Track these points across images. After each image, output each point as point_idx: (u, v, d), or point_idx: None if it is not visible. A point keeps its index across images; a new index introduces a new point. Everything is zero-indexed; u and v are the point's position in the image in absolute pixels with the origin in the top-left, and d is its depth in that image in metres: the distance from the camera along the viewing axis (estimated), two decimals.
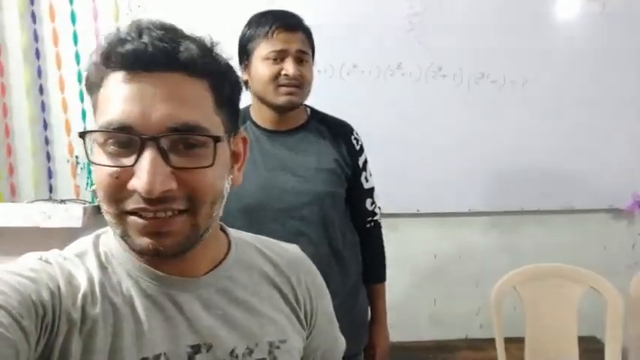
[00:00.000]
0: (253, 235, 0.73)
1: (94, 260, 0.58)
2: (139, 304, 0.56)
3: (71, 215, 0.91)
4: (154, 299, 0.57)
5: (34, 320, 0.48)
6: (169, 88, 0.52)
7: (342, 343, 0.81)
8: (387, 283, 1.41)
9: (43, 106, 1.95)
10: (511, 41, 2.01)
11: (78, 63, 1.92)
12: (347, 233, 1.30)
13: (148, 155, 0.51)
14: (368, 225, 1.36)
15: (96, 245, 0.60)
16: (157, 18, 0.56)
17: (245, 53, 1.20)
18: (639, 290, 1.58)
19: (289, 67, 1.15)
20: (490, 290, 1.58)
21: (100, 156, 0.53)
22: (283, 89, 1.16)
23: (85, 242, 0.61)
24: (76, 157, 1.98)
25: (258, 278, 0.67)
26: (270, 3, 1.27)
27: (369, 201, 1.35)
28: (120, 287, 0.57)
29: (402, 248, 2.08)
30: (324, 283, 0.77)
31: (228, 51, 0.60)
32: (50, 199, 1.00)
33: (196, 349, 0.58)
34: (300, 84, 1.17)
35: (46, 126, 1.97)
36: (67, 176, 1.99)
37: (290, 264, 0.71)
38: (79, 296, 0.53)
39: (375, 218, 1.37)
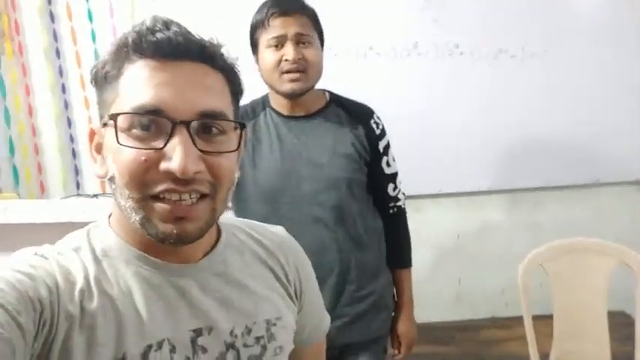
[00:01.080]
0: (240, 219, 0.75)
1: (88, 255, 0.58)
2: (139, 292, 0.57)
3: (104, 208, 0.93)
4: (154, 287, 0.58)
5: (32, 316, 0.49)
6: (198, 77, 0.56)
7: (327, 320, 0.83)
8: (412, 263, 1.39)
9: (66, 105, 2.00)
10: (528, 14, 1.97)
11: (97, 60, 1.95)
12: (368, 219, 1.29)
13: (179, 138, 0.53)
14: (391, 211, 1.34)
15: (89, 240, 0.60)
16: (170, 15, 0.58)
17: (254, 43, 1.20)
18: None
19: (289, 52, 1.13)
20: (515, 269, 1.56)
21: (124, 140, 0.53)
22: (286, 76, 1.14)
23: (77, 237, 0.61)
24: None
25: (251, 259, 0.69)
26: None
27: (391, 186, 1.32)
28: (117, 279, 0.57)
29: (425, 229, 2.08)
30: (309, 263, 0.78)
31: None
32: (80, 195, 1.03)
33: (198, 332, 0.59)
34: (304, 68, 1.15)
35: (70, 124, 2.01)
36: (93, 172, 2.04)
37: (278, 245, 0.73)
38: (76, 292, 0.54)
39: (399, 204, 1.34)
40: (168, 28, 0.55)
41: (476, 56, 2.00)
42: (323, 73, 1.24)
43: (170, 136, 0.53)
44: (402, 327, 1.35)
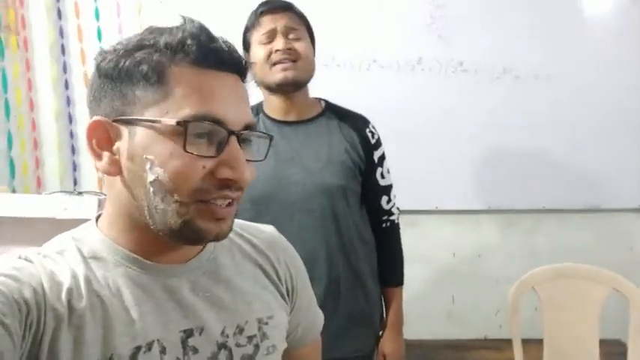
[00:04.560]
0: None
1: (75, 256, 0.58)
2: (128, 293, 0.57)
3: (87, 207, 0.93)
4: (144, 287, 0.58)
5: (18, 318, 0.49)
6: (241, 90, 0.60)
7: (321, 318, 0.83)
8: (405, 279, 1.35)
9: (68, 101, 2.01)
10: (535, 36, 1.96)
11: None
12: (362, 230, 1.27)
13: (235, 148, 0.56)
14: (384, 225, 1.31)
15: (75, 242, 0.60)
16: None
17: (247, 46, 1.23)
18: None
19: (278, 43, 1.16)
20: (509, 291, 1.54)
21: (189, 147, 0.54)
22: (277, 66, 1.16)
23: (62, 240, 0.61)
24: None
25: (241, 258, 0.69)
26: None
27: (384, 199, 1.30)
28: (107, 280, 0.57)
29: (421, 245, 2.06)
30: (301, 261, 0.79)
31: None
32: (67, 191, 1.04)
33: (189, 333, 0.59)
34: (295, 58, 1.17)
35: (71, 120, 2.02)
36: (91, 169, 2.04)
37: (268, 244, 0.73)
38: (64, 291, 0.54)
39: (392, 218, 1.31)
40: (216, 40, 0.58)
41: (480, 75, 1.99)
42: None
43: (224, 145, 0.56)
44: (389, 347, 1.30)
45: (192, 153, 0.54)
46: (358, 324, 1.24)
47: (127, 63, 0.55)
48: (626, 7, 1.95)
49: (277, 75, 1.16)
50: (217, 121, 0.55)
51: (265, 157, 0.63)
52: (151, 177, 0.54)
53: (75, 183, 2.05)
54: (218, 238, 0.58)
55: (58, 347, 0.51)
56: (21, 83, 1.94)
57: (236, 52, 0.59)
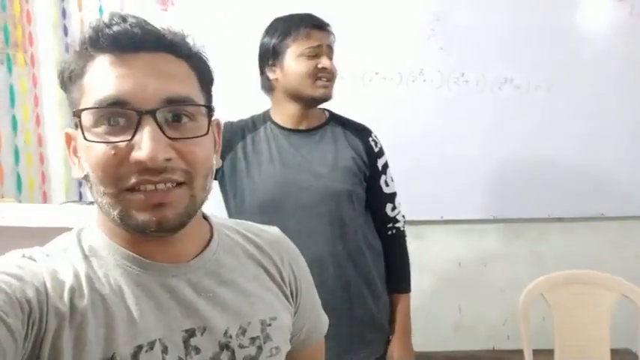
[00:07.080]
0: (233, 220, 0.74)
1: (78, 254, 0.58)
2: (129, 293, 0.56)
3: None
4: (144, 287, 0.57)
5: (21, 317, 0.49)
6: (159, 66, 0.56)
7: (325, 320, 0.82)
8: (411, 289, 1.35)
9: None
10: (535, 45, 1.99)
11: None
12: (368, 235, 1.28)
13: (146, 128, 0.52)
14: (389, 232, 1.32)
15: (79, 240, 0.60)
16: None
17: (274, 53, 1.23)
18: None
19: (326, 62, 1.21)
20: (517, 300, 1.53)
21: (91, 136, 0.53)
22: (321, 82, 1.22)
23: (66, 239, 0.61)
24: None
25: (244, 259, 0.68)
26: (294, 9, 1.29)
27: (389, 206, 1.32)
28: (108, 278, 0.56)
29: (427, 255, 2.06)
30: (305, 263, 0.77)
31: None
32: (76, 201, 1.04)
33: (191, 332, 0.59)
34: (332, 78, 1.24)
35: None
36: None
37: (271, 244, 0.72)
38: (66, 290, 0.53)
39: (398, 225, 1.33)
40: (124, 21, 0.55)
41: (481, 85, 2.01)
42: None
43: (137, 126, 0.53)
44: (398, 353, 1.31)
45: (92, 141, 0.53)
46: (371, 328, 1.26)
47: (65, 69, 0.57)
48: (624, 18, 1.98)
49: (320, 90, 1.22)
50: (120, 103, 0.52)
51: (208, 131, 0.58)
52: (84, 172, 0.55)
53: (80, 197, 2.05)
54: (162, 226, 0.54)
55: (60, 346, 0.51)
56: (28, 99, 1.96)
57: (148, 30, 0.56)
